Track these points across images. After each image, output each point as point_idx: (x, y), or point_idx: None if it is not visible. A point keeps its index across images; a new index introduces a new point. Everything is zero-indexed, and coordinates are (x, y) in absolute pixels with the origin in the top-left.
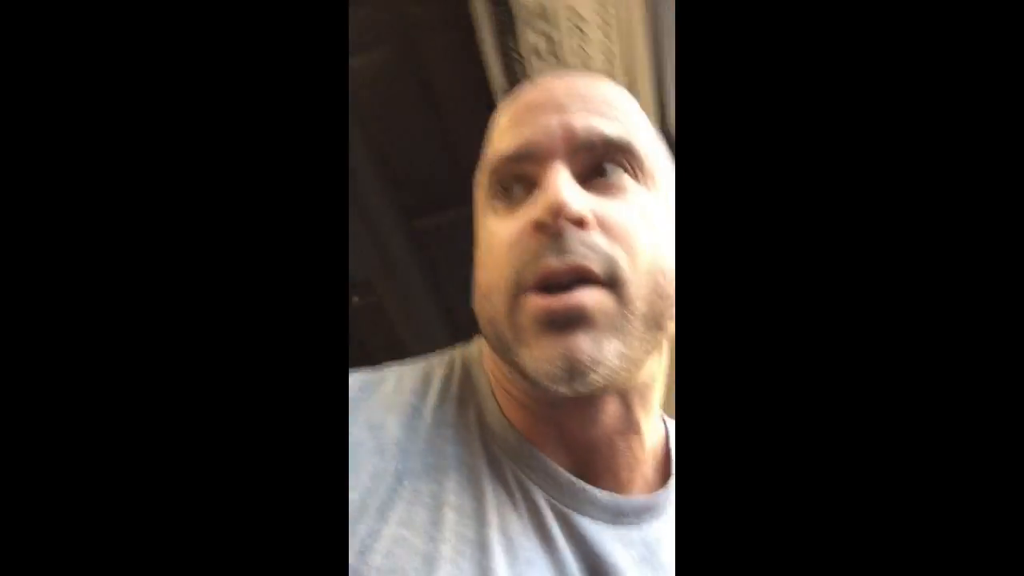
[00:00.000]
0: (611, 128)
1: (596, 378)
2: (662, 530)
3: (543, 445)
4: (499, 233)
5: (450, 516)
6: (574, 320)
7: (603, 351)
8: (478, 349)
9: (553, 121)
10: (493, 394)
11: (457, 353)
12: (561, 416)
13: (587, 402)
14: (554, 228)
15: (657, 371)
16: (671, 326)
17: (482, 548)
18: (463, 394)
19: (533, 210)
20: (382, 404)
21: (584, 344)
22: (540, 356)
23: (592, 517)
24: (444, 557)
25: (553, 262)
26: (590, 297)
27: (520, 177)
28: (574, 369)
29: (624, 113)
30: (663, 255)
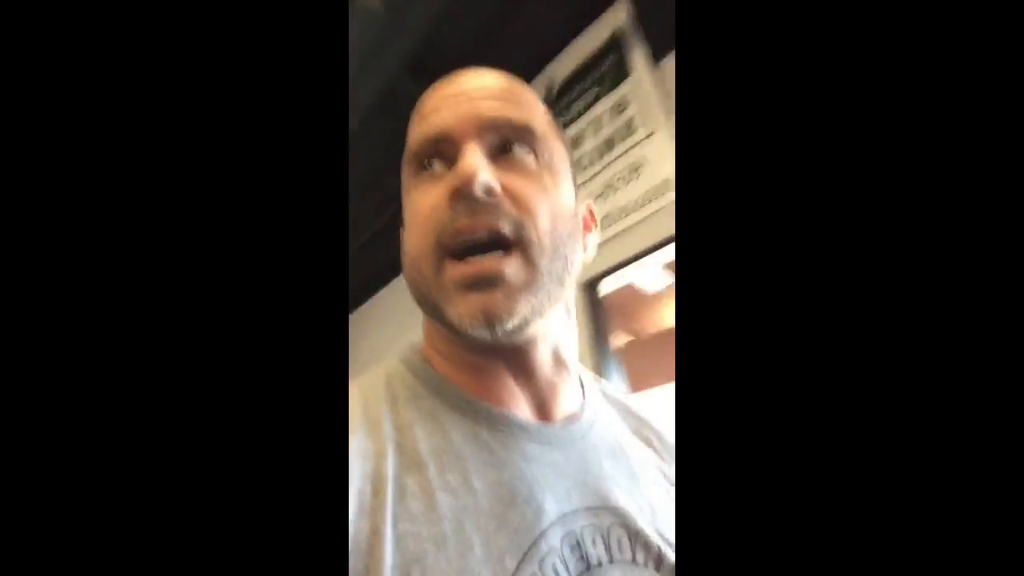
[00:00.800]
0: (514, 113)
1: (510, 322)
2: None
3: (498, 398)
4: (421, 203)
5: (443, 497)
6: (490, 281)
7: (514, 303)
8: (409, 347)
9: (465, 107)
10: (443, 377)
11: (381, 370)
12: (503, 366)
13: (520, 351)
14: (467, 193)
15: (566, 323)
16: (570, 283)
17: (477, 510)
18: (411, 393)
19: (450, 180)
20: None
21: (499, 299)
22: (463, 312)
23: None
24: (449, 533)
25: (467, 221)
26: (502, 261)
27: (439, 154)
28: (491, 319)
29: (525, 101)
30: (560, 224)
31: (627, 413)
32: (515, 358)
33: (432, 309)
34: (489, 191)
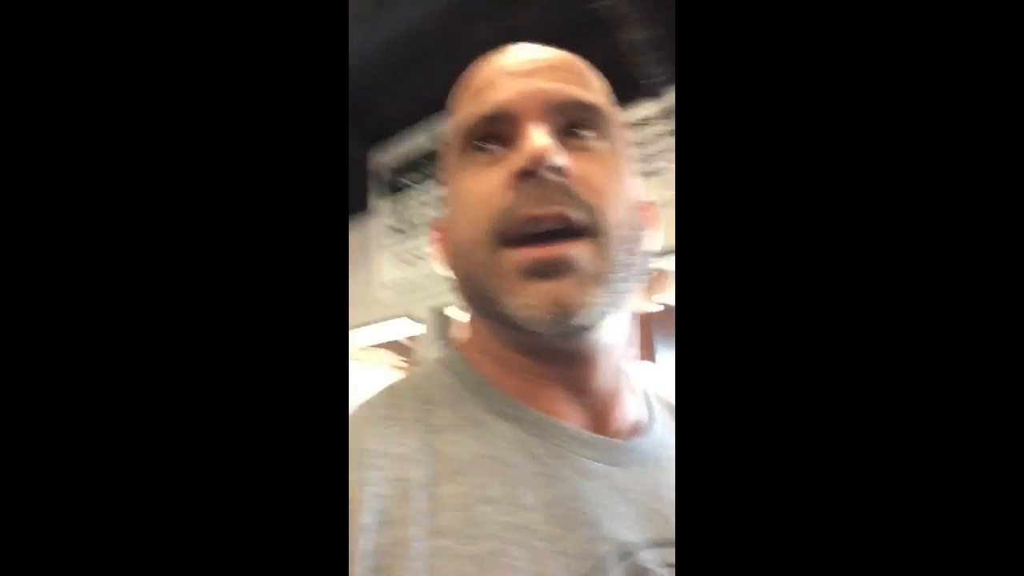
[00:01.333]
0: (581, 92)
1: (580, 320)
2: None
3: (551, 407)
4: (475, 188)
5: (484, 510)
6: (560, 268)
7: (587, 294)
8: (448, 348)
9: (527, 85)
10: (489, 379)
11: (416, 372)
12: (560, 372)
13: (581, 354)
14: (536, 175)
15: (630, 329)
16: (637, 283)
17: (525, 529)
18: (451, 396)
19: (515, 160)
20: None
21: (571, 287)
22: (527, 302)
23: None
24: (491, 552)
25: (536, 210)
26: (573, 248)
27: (496, 135)
28: (561, 312)
29: (590, 79)
30: (632, 215)
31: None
32: (575, 363)
33: (485, 303)
34: (560, 171)
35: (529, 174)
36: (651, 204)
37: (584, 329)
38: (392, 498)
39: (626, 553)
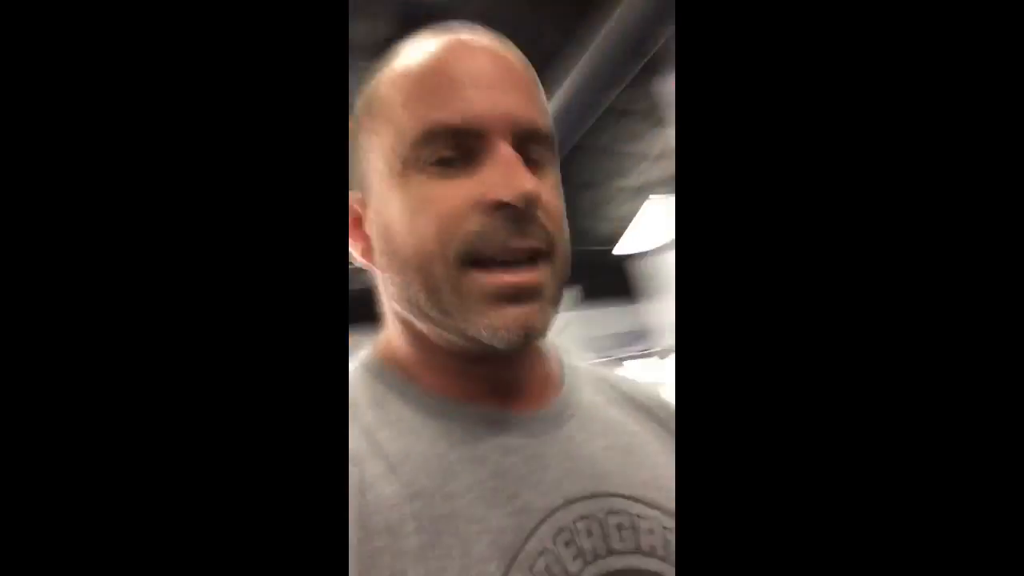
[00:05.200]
0: (542, 119)
1: (540, 335)
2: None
3: (471, 396)
4: (435, 201)
5: (415, 506)
6: (530, 294)
7: (547, 315)
8: (364, 353)
9: (496, 103)
10: (408, 379)
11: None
12: (494, 367)
13: (514, 356)
14: (518, 211)
15: None
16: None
17: (455, 516)
18: (373, 399)
19: (486, 182)
20: None
21: (537, 313)
22: (494, 324)
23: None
24: (427, 545)
25: (514, 242)
26: (541, 273)
27: (459, 147)
28: (527, 334)
29: (541, 96)
30: (567, 235)
31: (606, 382)
32: (507, 361)
33: (436, 315)
34: (535, 207)
35: (510, 207)
36: None
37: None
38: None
39: (548, 515)
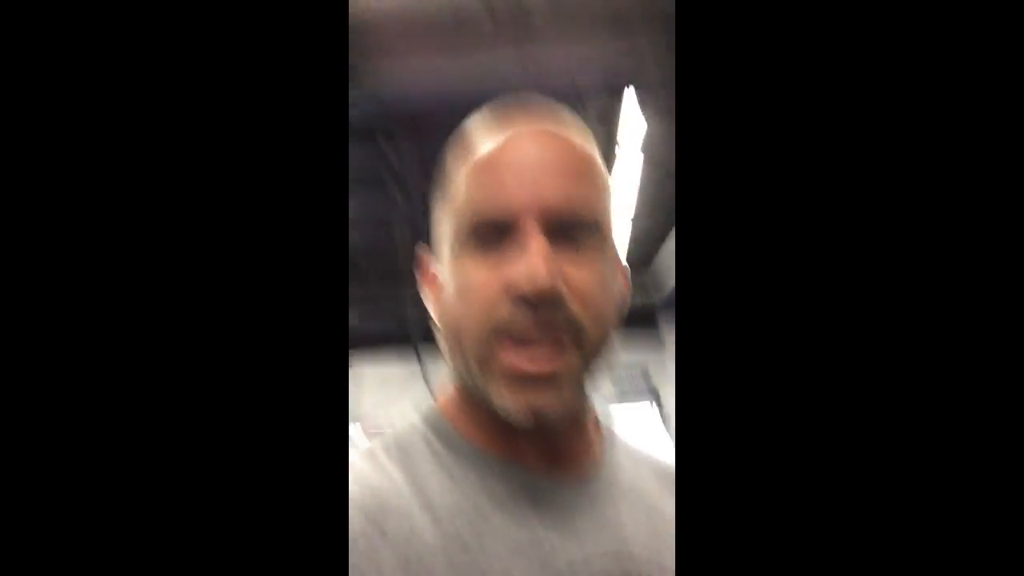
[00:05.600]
0: (585, 204)
1: (556, 418)
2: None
3: (517, 458)
4: (475, 279)
5: (460, 558)
6: (545, 381)
7: (563, 400)
8: (428, 407)
9: (532, 192)
10: (461, 435)
11: (398, 428)
12: (538, 435)
13: (551, 429)
14: (535, 303)
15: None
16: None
17: (490, 571)
18: (429, 450)
19: (512, 271)
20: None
21: (549, 398)
22: (510, 403)
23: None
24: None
25: (535, 333)
26: (562, 361)
27: (499, 231)
28: (538, 416)
29: (591, 182)
30: (613, 314)
31: (645, 461)
32: (545, 432)
33: (475, 379)
34: (555, 300)
35: (528, 296)
36: (625, 270)
37: (558, 422)
38: (373, 541)
39: (574, 570)
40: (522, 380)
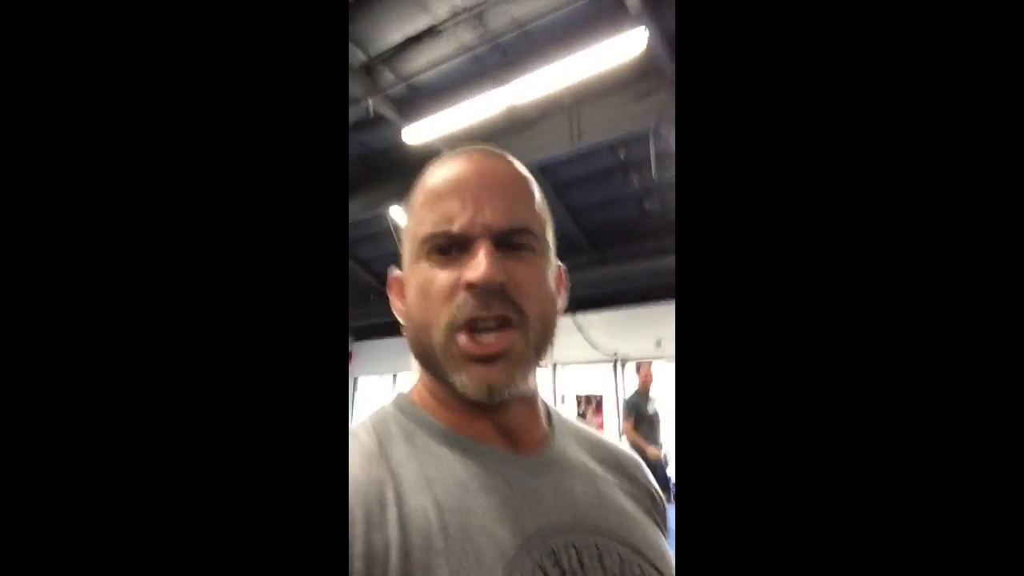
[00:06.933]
0: (520, 218)
1: (507, 392)
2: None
3: (481, 435)
4: (435, 283)
5: (446, 517)
6: (494, 358)
7: (510, 376)
8: (398, 395)
9: (482, 214)
10: (432, 417)
11: (374, 414)
12: (494, 414)
13: (511, 404)
14: (481, 288)
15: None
16: (552, 345)
17: (472, 528)
18: (405, 432)
19: (467, 272)
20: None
21: (501, 373)
22: (468, 382)
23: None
24: (453, 546)
25: (483, 312)
26: (508, 340)
27: (455, 245)
28: (492, 390)
29: (528, 197)
30: (548, 305)
31: (584, 439)
32: (499, 409)
33: (436, 369)
34: (500, 288)
35: (479, 288)
36: (560, 270)
37: (509, 396)
38: (375, 511)
39: (540, 538)
40: (476, 360)
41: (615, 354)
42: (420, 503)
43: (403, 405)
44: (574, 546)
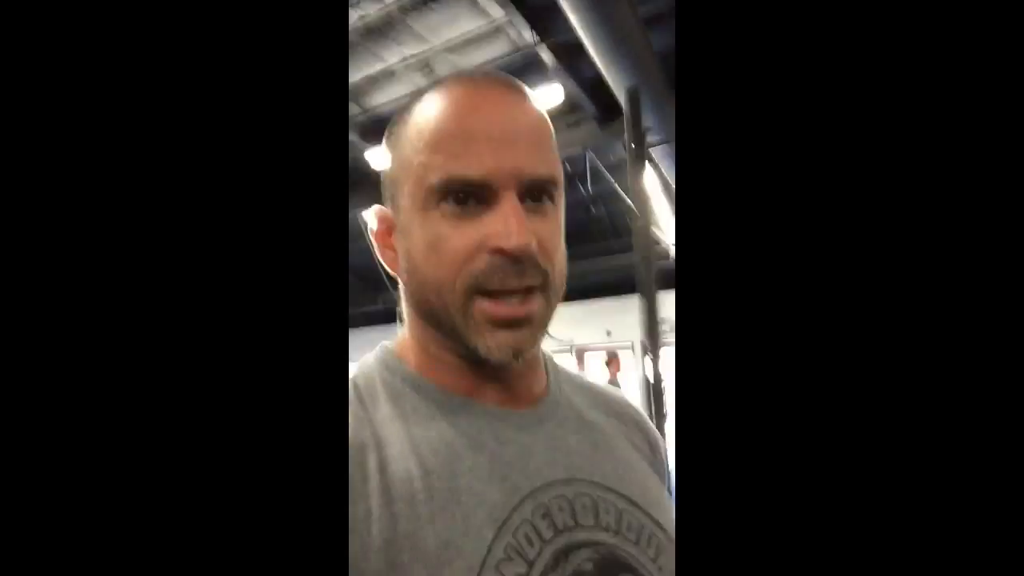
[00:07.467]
0: (548, 167)
1: (530, 353)
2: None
3: (473, 393)
4: (449, 239)
5: (428, 481)
6: (521, 323)
7: (535, 338)
8: (382, 350)
9: (506, 159)
10: (420, 374)
11: (354, 372)
12: (492, 371)
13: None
14: (515, 257)
15: None
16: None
17: (459, 490)
18: (391, 391)
19: (490, 228)
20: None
21: (527, 337)
22: (491, 345)
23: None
24: (437, 511)
25: (514, 282)
26: (535, 305)
27: (475, 195)
28: (517, 353)
29: (551, 144)
30: (565, 261)
31: (584, 389)
32: (502, 367)
33: (449, 330)
34: (531, 255)
35: (508, 253)
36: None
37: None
38: (356, 479)
39: (530, 494)
40: (503, 324)
41: (572, 343)
42: (404, 467)
43: (389, 361)
44: (568, 500)
